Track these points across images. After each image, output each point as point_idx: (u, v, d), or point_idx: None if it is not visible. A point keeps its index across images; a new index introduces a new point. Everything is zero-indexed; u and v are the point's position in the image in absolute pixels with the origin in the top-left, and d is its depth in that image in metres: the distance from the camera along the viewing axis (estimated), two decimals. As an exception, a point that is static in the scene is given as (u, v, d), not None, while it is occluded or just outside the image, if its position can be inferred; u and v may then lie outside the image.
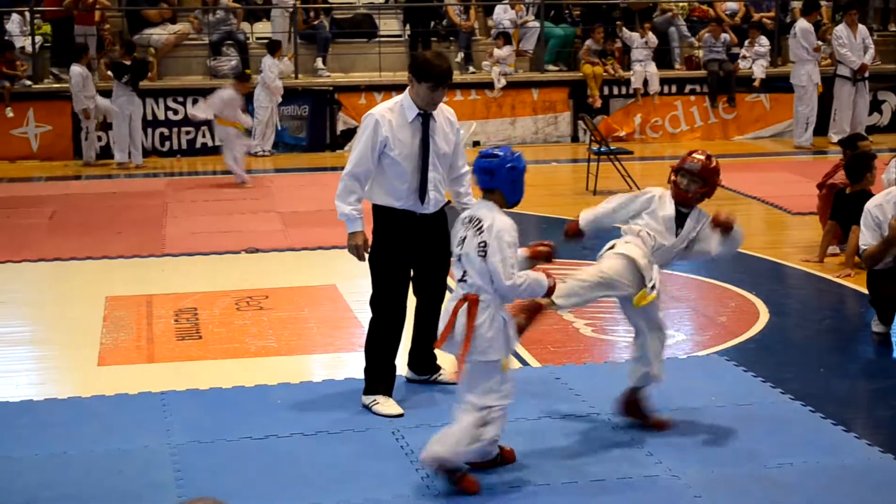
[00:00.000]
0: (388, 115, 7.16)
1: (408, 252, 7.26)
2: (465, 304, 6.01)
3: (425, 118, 7.19)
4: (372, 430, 6.92)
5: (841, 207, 11.04)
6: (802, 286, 10.71)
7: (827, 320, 9.61)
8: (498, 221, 5.99)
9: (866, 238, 9.03)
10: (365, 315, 9.51)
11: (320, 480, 6.20)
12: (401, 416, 7.08)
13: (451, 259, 6.29)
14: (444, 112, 7.37)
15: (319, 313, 9.68)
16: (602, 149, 15.54)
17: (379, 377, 7.30)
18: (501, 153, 6.14)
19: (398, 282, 7.30)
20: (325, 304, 9.93)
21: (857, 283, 10.26)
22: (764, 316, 9.50)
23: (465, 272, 6.05)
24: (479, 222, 6.03)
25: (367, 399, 7.25)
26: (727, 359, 8.32)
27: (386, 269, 7.27)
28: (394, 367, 7.37)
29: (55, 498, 6.06)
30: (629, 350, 8.63)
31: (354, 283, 10.62)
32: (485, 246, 5.96)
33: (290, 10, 20.18)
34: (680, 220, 7.00)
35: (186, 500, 5.83)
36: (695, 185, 6.96)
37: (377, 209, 7.31)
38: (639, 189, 14.94)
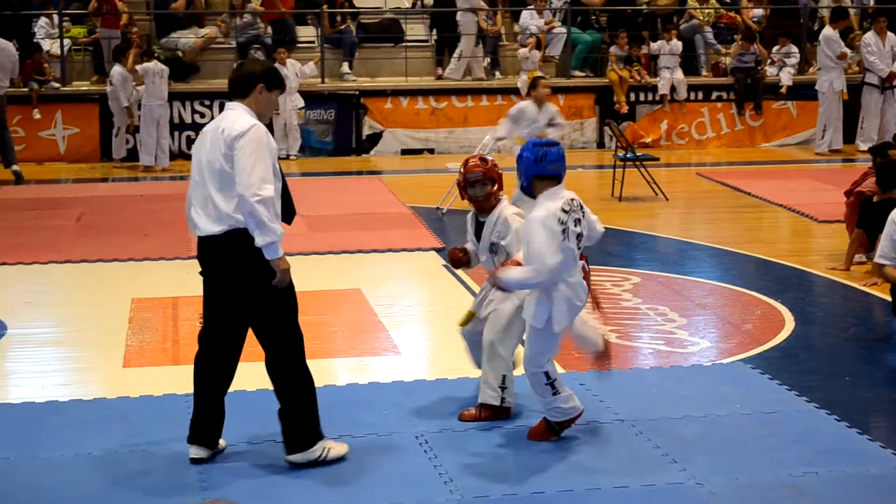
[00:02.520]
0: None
1: None
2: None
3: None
4: (396, 435, 6.92)
5: (868, 216, 10.99)
6: (828, 294, 10.67)
7: (853, 329, 9.56)
8: None
9: (885, 250, 8.97)
10: (390, 319, 9.58)
11: (343, 484, 6.21)
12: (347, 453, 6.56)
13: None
14: None
15: (344, 317, 9.69)
16: (628, 155, 15.52)
17: (317, 424, 6.50)
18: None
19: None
20: (350, 308, 9.94)
21: (884, 292, 10.20)
22: (789, 324, 9.46)
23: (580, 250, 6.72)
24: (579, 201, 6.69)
25: (315, 452, 6.43)
26: (752, 367, 8.29)
27: (295, 310, 6.43)
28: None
29: (80, 497, 6.09)
30: (654, 357, 8.64)
31: (379, 287, 10.64)
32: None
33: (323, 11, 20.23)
34: (479, 228, 7.30)
35: (205, 501, 5.87)
36: (485, 188, 7.17)
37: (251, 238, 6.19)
38: (665, 195, 15.00)
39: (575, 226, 6.56)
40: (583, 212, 6.66)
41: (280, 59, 18.72)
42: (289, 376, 6.41)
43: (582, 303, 6.69)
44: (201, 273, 6.49)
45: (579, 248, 6.66)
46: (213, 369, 6.51)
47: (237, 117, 6.29)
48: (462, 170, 7.28)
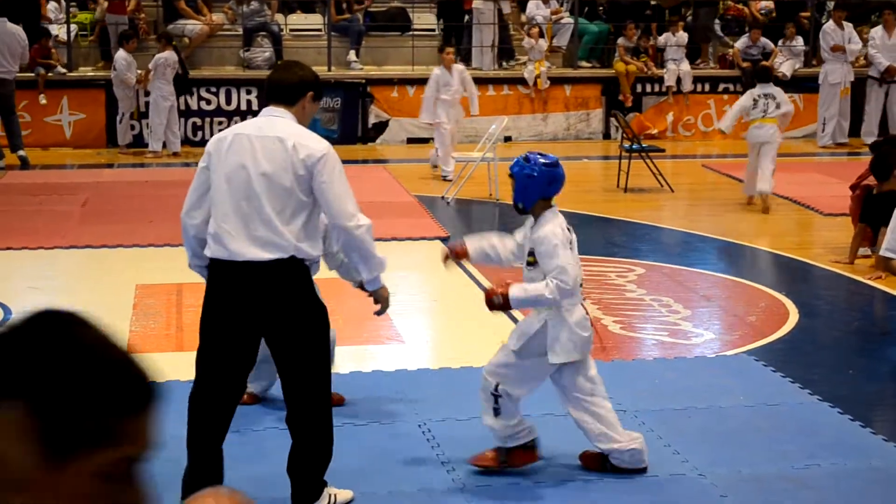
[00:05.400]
0: None
1: None
2: None
3: None
4: (398, 423, 6.93)
5: (870, 209, 10.98)
6: (833, 287, 10.66)
7: (857, 322, 9.56)
8: None
9: (891, 243, 8.95)
10: (394, 307, 9.53)
11: (345, 472, 6.21)
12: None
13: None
14: None
15: (348, 305, 9.67)
16: (634, 146, 15.51)
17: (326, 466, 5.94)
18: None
19: None
20: (353, 297, 9.90)
21: (888, 286, 10.21)
22: (793, 316, 9.46)
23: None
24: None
25: (323, 501, 5.88)
26: (756, 359, 8.29)
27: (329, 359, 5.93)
28: None
29: (83, 483, 6.09)
30: (657, 348, 8.64)
31: (384, 275, 10.62)
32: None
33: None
34: None
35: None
36: None
37: (305, 266, 5.62)
38: (670, 187, 14.99)
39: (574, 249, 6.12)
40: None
41: (446, 60, 16.10)
42: (313, 433, 5.76)
43: (589, 334, 6.11)
44: (212, 300, 5.64)
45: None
46: (220, 409, 5.76)
47: (302, 131, 5.59)
48: None
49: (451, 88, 15.88)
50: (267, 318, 5.56)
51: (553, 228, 6.01)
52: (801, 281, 10.80)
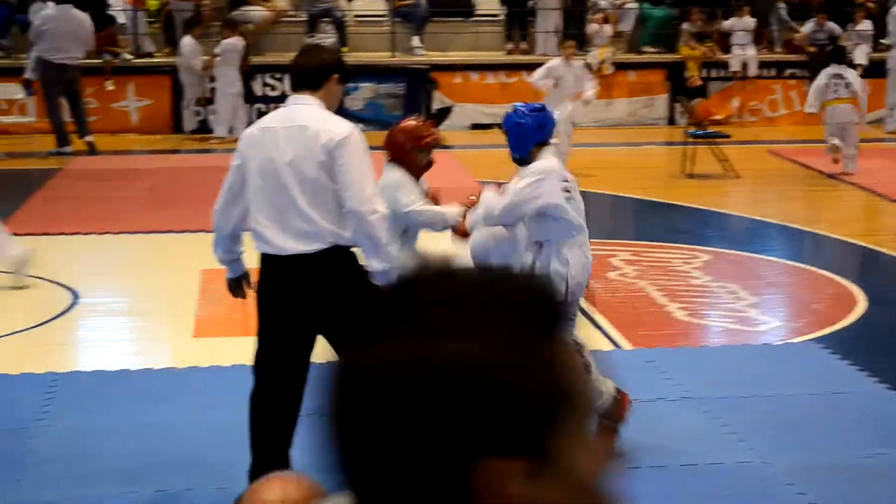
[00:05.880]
0: None
1: None
2: None
3: None
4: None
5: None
6: (901, 275, 10.55)
7: (925, 310, 9.44)
8: None
9: None
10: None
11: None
12: None
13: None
14: None
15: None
16: (698, 132, 15.40)
17: None
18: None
19: None
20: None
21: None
22: (861, 304, 9.35)
23: None
24: None
25: None
26: (822, 346, 8.21)
27: None
28: None
29: (149, 465, 6.16)
30: (723, 335, 8.58)
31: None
32: None
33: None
34: None
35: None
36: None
37: (350, 253, 5.59)
38: (735, 173, 14.86)
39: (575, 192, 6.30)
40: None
41: (567, 53, 15.28)
42: None
43: (589, 273, 6.33)
44: (263, 295, 5.69)
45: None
46: (281, 410, 5.59)
47: (326, 116, 5.51)
48: (422, 133, 6.76)
49: (568, 82, 14.88)
50: (319, 311, 5.44)
51: (542, 165, 6.21)
52: (869, 268, 10.69)
